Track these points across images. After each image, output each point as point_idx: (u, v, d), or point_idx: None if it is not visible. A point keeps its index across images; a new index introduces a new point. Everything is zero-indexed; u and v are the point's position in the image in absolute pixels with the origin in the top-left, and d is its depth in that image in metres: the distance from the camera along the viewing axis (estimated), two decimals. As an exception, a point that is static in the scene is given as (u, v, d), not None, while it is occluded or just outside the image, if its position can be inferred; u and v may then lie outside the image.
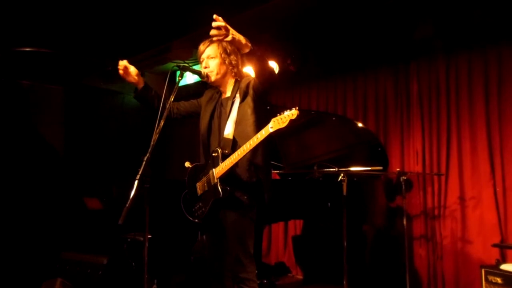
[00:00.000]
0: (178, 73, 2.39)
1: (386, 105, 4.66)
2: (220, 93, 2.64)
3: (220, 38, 2.18)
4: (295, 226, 5.31)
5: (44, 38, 4.89)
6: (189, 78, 5.85)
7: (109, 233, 4.56)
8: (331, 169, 3.83)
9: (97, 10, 4.31)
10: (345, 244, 3.46)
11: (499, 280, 3.06)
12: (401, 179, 3.68)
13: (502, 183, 3.82)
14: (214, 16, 2.15)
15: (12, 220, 5.09)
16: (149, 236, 2.30)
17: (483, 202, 3.91)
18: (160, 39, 4.94)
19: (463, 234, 4.01)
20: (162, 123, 2.26)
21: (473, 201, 3.98)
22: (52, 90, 6.00)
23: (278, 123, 2.17)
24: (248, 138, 2.32)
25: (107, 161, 6.20)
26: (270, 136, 2.25)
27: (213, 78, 2.55)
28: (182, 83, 2.42)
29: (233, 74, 2.58)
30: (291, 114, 2.13)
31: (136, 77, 2.63)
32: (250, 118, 2.44)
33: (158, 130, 2.22)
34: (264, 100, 2.53)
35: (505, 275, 3.04)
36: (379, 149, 4.02)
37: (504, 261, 3.50)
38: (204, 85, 2.70)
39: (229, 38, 2.17)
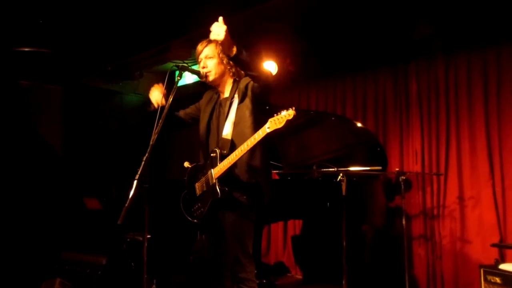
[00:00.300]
0: (177, 73, 2.39)
1: (385, 105, 4.66)
2: (218, 94, 2.65)
3: (217, 39, 2.20)
4: (295, 226, 5.31)
5: (43, 38, 4.89)
6: (188, 78, 5.86)
7: (108, 233, 4.56)
8: (330, 169, 3.83)
9: (96, 10, 4.32)
10: (344, 244, 3.46)
11: (498, 280, 3.06)
12: (400, 179, 3.68)
13: (501, 183, 3.83)
14: (220, 18, 2.19)
15: (12, 220, 5.08)
16: (148, 236, 2.30)
17: (482, 202, 3.92)
18: (159, 39, 4.94)
19: (462, 234, 4.01)
20: (161, 123, 2.26)
21: (472, 201, 3.98)
22: (51, 90, 5.99)
23: (275, 123, 2.17)
24: (246, 139, 2.32)
25: (107, 161, 6.20)
26: (269, 136, 2.25)
27: (211, 78, 2.55)
28: (181, 83, 2.42)
29: (231, 74, 2.58)
30: (287, 114, 2.14)
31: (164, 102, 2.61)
32: (248, 120, 2.44)
33: (157, 130, 2.22)
34: (263, 101, 2.52)
35: (504, 274, 3.04)
36: (378, 149, 4.03)
37: (503, 261, 3.50)
38: (203, 85, 2.70)
39: (221, 37, 2.18)
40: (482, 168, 3.94)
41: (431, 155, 4.26)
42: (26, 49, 5.03)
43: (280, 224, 5.42)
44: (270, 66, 4.84)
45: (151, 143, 2.17)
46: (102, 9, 4.29)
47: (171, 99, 2.36)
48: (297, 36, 4.66)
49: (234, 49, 2.23)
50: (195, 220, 2.53)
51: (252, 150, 2.39)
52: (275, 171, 4.37)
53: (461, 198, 4.05)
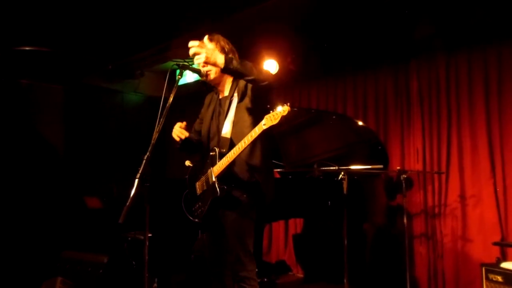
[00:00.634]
0: (177, 71, 2.38)
1: (386, 104, 4.65)
2: (218, 93, 2.65)
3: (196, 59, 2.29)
4: (296, 225, 5.31)
5: (44, 37, 4.88)
6: (189, 77, 5.86)
7: (109, 232, 4.56)
8: (331, 168, 3.82)
9: (96, 9, 4.31)
10: (345, 242, 3.46)
11: (499, 278, 3.06)
12: (402, 178, 3.67)
13: (502, 181, 3.82)
14: (190, 43, 2.29)
15: (13, 220, 5.09)
16: (150, 235, 2.30)
17: (484, 200, 3.91)
18: (160, 38, 4.94)
19: (464, 233, 4.01)
20: (162, 122, 2.26)
21: (473, 200, 3.98)
22: (52, 89, 5.99)
23: (271, 120, 2.18)
24: None
25: (107, 160, 6.20)
26: (270, 135, 2.25)
27: (212, 76, 2.54)
28: (181, 81, 2.41)
29: None
30: (282, 110, 2.15)
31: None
32: (247, 120, 2.44)
33: (158, 129, 2.21)
34: (264, 100, 2.52)
35: (505, 273, 3.03)
36: (379, 147, 4.02)
37: (505, 259, 3.50)
38: (203, 84, 2.70)
39: (201, 60, 2.26)
40: (483, 166, 3.93)
41: (432, 153, 4.26)
42: (27, 48, 5.03)
43: (281, 223, 5.42)
44: (270, 65, 4.84)
45: (152, 142, 2.16)
46: (103, 8, 4.28)
47: (171, 98, 2.36)
48: (297, 35, 4.66)
49: (222, 62, 2.25)
50: (196, 219, 2.53)
51: (252, 149, 2.39)
52: (276, 170, 4.36)
53: (462, 197, 4.05)
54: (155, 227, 3.63)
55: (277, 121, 2.16)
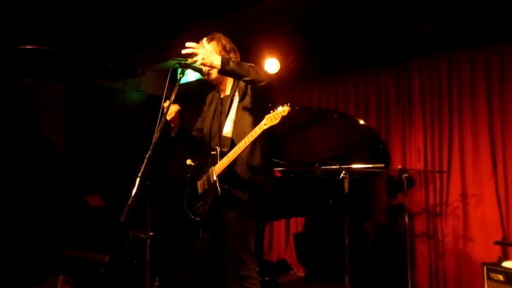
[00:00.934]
0: (179, 70, 2.38)
1: (388, 103, 4.65)
2: (220, 92, 2.65)
3: (192, 61, 2.30)
4: (297, 224, 5.31)
5: (45, 36, 4.88)
6: (190, 76, 5.85)
7: (111, 231, 4.56)
8: (333, 167, 3.82)
9: (98, 8, 4.31)
10: (346, 241, 3.46)
11: (501, 277, 3.06)
12: (403, 177, 3.67)
13: (504, 180, 3.82)
14: (187, 44, 2.28)
15: (14, 218, 5.10)
16: (151, 234, 2.30)
17: (485, 199, 3.91)
18: (161, 37, 4.93)
19: (465, 232, 4.01)
20: (163, 120, 2.26)
21: (475, 199, 3.98)
22: (53, 88, 5.99)
23: (271, 120, 2.18)
24: None
25: (109, 159, 6.21)
26: (271, 134, 2.25)
27: (213, 75, 2.54)
28: (183, 80, 2.42)
29: None
30: (282, 110, 2.15)
31: (176, 121, 2.59)
32: (248, 119, 2.44)
33: (159, 127, 2.21)
34: (265, 99, 2.51)
35: (507, 272, 3.03)
36: (381, 146, 4.02)
37: (506, 258, 3.49)
38: (205, 82, 2.70)
39: (198, 64, 2.28)
40: (485, 165, 3.93)
41: (433, 152, 4.25)
42: (28, 47, 5.03)
43: (283, 221, 5.42)
44: (272, 64, 4.84)
45: (153, 140, 2.16)
46: (104, 7, 4.28)
47: (173, 97, 2.35)
48: (299, 34, 4.65)
49: (218, 64, 2.26)
50: (198, 218, 2.53)
51: (253, 149, 2.39)
52: (277, 169, 4.36)
53: (464, 196, 4.04)
54: (157, 226, 3.63)
55: (277, 121, 2.16)
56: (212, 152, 2.48)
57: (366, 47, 4.65)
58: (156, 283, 3.88)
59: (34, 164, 5.53)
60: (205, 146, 2.62)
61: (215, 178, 2.41)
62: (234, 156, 2.34)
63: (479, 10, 3.80)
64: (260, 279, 2.53)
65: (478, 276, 3.58)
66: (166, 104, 2.35)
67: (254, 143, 2.32)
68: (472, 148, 4.01)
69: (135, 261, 4.00)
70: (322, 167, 3.94)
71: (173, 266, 4.26)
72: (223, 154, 2.41)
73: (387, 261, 4.38)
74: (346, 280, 3.47)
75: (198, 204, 2.54)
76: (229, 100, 2.54)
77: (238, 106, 2.49)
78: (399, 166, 3.92)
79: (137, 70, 5.97)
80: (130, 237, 4.17)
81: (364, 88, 4.84)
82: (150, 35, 4.91)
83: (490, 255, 3.67)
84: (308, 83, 5.37)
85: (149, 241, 2.29)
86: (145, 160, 2.10)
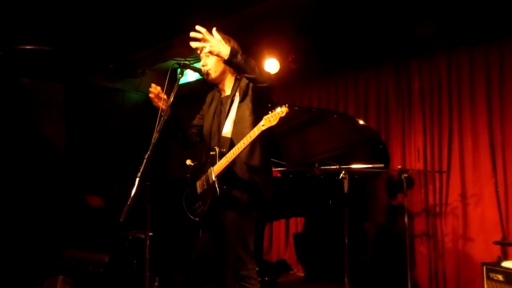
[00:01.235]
0: (178, 70, 2.37)
1: (387, 103, 4.65)
2: (220, 92, 2.64)
3: (199, 48, 2.28)
4: (297, 224, 5.31)
5: (45, 36, 4.89)
6: (190, 76, 5.85)
7: (110, 231, 4.56)
8: (332, 167, 3.82)
9: (98, 8, 4.31)
10: (346, 241, 3.46)
11: (500, 277, 3.06)
12: (403, 177, 3.67)
13: (503, 180, 3.82)
14: (197, 27, 2.23)
15: (14, 218, 5.10)
16: (151, 234, 2.30)
17: (485, 199, 3.91)
18: (161, 37, 4.94)
19: (465, 232, 4.00)
20: (163, 120, 2.26)
21: (474, 199, 3.97)
22: (53, 88, 5.99)
23: (269, 120, 2.17)
24: None
25: (109, 159, 6.21)
26: (270, 135, 2.25)
27: (212, 75, 2.54)
28: (182, 80, 2.42)
29: (232, 71, 2.57)
30: (280, 111, 2.14)
31: (164, 106, 2.52)
32: (248, 120, 2.44)
33: (159, 128, 2.21)
34: (265, 100, 2.51)
35: (506, 272, 3.03)
36: (381, 146, 4.02)
37: (506, 258, 3.49)
38: (205, 83, 2.69)
39: (205, 51, 2.27)
40: (484, 165, 3.93)
41: (433, 152, 4.25)
42: (28, 47, 5.03)
43: (282, 221, 5.42)
44: (272, 64, 4.84)
45: (153, 141, 2.16)
46: (104, 7, 4.28)
47: (172, 97, 2.35)
48: (298, 34, 4.65)
49: (227, 53, 2.23)
50: (197, 218, 2.53)
51: (252, 149, 2.39)
52: (277, 169, 4.36)
53: (463, 196, 4.04)
54: (156, 226, 3.63)
55: (275, 122, 2.16)
56: (211, 153, 2.48)
57: (366, 47, 4.65)
58: (156, 283, 3.87)
59: (34, 164, 5.54)
60: (205, 146, 2.62)
61: (214, 178, 2.41)
62: (233, 156, 2.34)
63: (479, 10, 3.80)
64: (259, 279, 2.53)
65: (478, 276, 3.58)
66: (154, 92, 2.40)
67: (253, 143, 2.32)
68: (472, 148, 4.01)
69: (134, 261, 4.00)
70: (322, 167, 3.94)
71: (173, 266, 4.26)
72: (222, 155, 2.41)
73: (387, 261, 4.38)
74: (345, 280, 3.47)
75: (197, 204, 2.54)
76: (229, 100, 2.53)
77: (238, 107, 2.49)
78: (399, 166, 3.92)
79: (137, 70, 5.97)
80: (130, 237, 4.16)
81: (364, 88, 4.84)
82: (150, 35, 4.92)
83: (489, 255, 3.66)
84: (308, 83, 5.37)
85: (148, 241, 2.29)
86: (145, 160, 2.10)
